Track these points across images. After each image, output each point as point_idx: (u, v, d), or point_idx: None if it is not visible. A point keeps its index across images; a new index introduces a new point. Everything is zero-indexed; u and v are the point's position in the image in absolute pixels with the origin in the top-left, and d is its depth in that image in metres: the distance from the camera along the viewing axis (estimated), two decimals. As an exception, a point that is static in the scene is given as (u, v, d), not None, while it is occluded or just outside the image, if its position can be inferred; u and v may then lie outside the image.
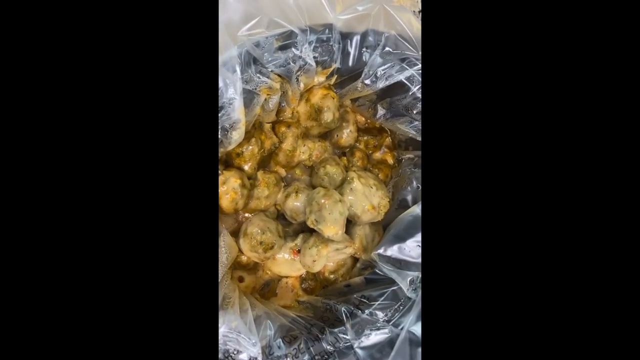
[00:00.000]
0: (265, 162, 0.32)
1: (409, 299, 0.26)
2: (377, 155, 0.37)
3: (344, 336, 0.26)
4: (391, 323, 0.25)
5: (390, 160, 0.37)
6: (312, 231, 0.30)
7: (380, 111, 0.33)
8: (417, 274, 0.27)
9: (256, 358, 0.24)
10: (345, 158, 0.35)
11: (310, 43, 0.28)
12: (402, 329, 0.23)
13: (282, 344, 0.25)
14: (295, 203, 0.30)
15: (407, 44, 0.29)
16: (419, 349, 0.22)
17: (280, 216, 0.32)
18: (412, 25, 0.28)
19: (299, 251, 0.30)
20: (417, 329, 0.23)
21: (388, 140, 0.37)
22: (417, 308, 0.24)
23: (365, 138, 0.36)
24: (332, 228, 0.27)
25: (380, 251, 0.28)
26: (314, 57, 0.29)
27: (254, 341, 0.24)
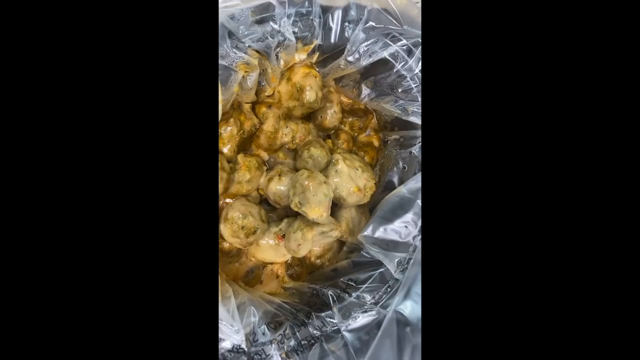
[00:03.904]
0: (245, 144, 0.31)
1: (397, 280, 0.26)
2: (363, 137, 0.36)
3: (331, 320, 0.25)
4: (379, 305, 0.25)
5: (376, 143, 0.36)
6: (296, 215, 0.29)
7: (365, 91, 0.32)
8: (405, 255, 0.26)
9: (240, 345, 0.23)
10: (330, 141, 0.34)
11: (289, 16, 0.26)
12: (389, 310, 0.23)
13: (266, 330, 0.24)
14: (278, 187, 0.29)
15: (390, 18, 0.28)
16: (407, 329, 0.22)
17: (263, 201, 0.31)
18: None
19: (283, 236, 0.29)
20: (405, 309, 0.23)
21: (373, 122, 0.36)
22: (404, 288, 0.24)
23: (350, 119, 0.35)
24: (317, 210, 0.26)
25: (367, 233, 0.28)
26: (294, 32, 0.27)
27: (236, 328, 0.23)
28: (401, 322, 0.22)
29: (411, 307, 0.23)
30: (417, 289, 0.23)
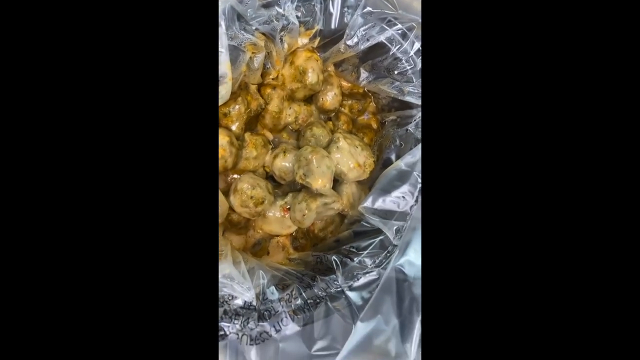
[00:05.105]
0: (252, 124, 0.33)
1: (395, 246, 0.28)
2: (362, 119, 0.38)
3: (335, 282, 0.27)
4: (380, 267, 0.27)
5: (375, 125, 0.38)
6: (301, 190, 0.31)
7: (363, 74, 0.34)
8: (402, 223, 0.28)
9: (251, 302, 0.25)
10: (330, 122, 0.36)
11: (292, 1, 0.28)
12: (389, 267, 0.25)
13: (275, 290, 0.26)
14: (283, 163, 0.31)
15: (386, 3, 0.30)
16: (406, 283, 0.24)
17: (269, 177, 0.33)
18: (391, -15, 0.29)
19: (288, 209, 0.31)
20: (403, 266, 0.24)
21: (372, 105, 0.38)
22: (402, 249, 0.25)
23: (350, 102, 0.37)
24: (320, 181, 0.28)
25: (367, 204, 0.29)
26: (297, 17, 0.29)
27: (247, 286, 0.24)
28: (400, 277, 0.24)
29: (409, 265, 0.24)
30: (414, 249, 0.25)
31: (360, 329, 0.22)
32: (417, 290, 0.23)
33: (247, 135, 0.31)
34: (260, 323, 0.24)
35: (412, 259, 0.24)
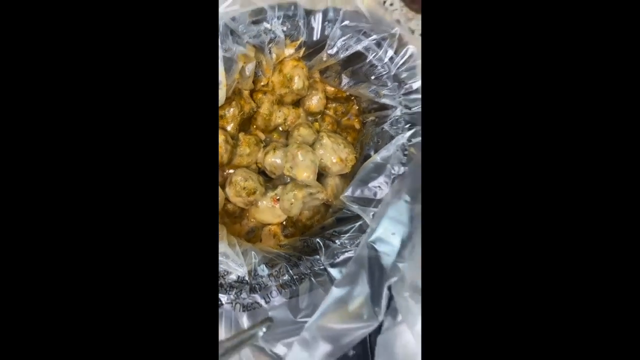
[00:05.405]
0: (245, 125, 0.37)
1: (373, 229, 0.31)
2: (346, 120, 0.42)
3: (319, 261, 0.30)
4: (357, 246, 0.30)
5: (357, 125, 0.42)
6: (289, 183, 0.35)
7: (345, 80, 0.38)
8: (378, 209, 0.32)
9: (244, 277, 0.28)
10: (317, 123, 0.40)
11: (278, 18, 0.33)
12: (362, 243, 0.28)
13: (265, 268, 0.29)
14: (273, 159, 0.35)
15: (361, 18, 0.34)
16: (376, 257, 0.27)
17: (261, 172, 0.37)
18: (363, 2, 0.33)
19: (278, 199, 0.35)
20: (375, 241, 0.28)
21: (354, 107, 0.42)
22: (373, 229, 0.29)
23: (334, 105, 0.41)
24: (305, 173, 0.32)
25: (348, 194, 0.33)
26: (283, 31, 0.33)
27: (240, 263, 0.28)
28: (372, 253, 0.28)
29: (379, 241, 0.28)
30: (384, 227, 0.29)
31: (335, 293, 0.25)
32: (387, 262, 0.27)
33: (241, 135, 0.35)
34: (252, 295, 0.28)
35: (382, 236, 0.28)
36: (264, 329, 0.23)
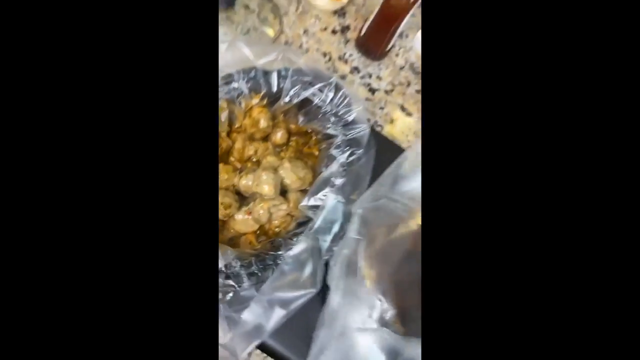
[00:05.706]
0: (224, 158, 0.48)
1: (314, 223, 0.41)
2: (306, 149, 0.53)
3: (282, 256, 0.39)
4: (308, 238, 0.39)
5: (316, 152, 0.52)
6: (257, 198, 0.45)
7: (301, 118, 0.50)
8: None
9: (221, 268, 0.37)
10: (282, 152, 0.51)
11: (243, 78, 0.45)
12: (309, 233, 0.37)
13: (237, 261, 0.38)
14: (245, 181, 0.45)
15: (305, 72, 0.46)
16: (319, 244, 0.36)
17: (238, 193, 0.47)
18: (304, 61, 0.46)
19: (250, 212, 0.44)
20: (315, 231, 0.37)
21: (313, 139, 0.53)
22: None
23: (296, 138, 0.52)
24: (267, 188, 0.42)
25: (304, 203, 0.43)
26: (247, 88, 0.45)
27: (220, 259, 0.37)
28: (314, 240, 0.37)
29: (320, 232, 0.37)
30: (323, 222, 0.38)
31: (282, 267, 0.34)
32: (324, 246, 0.36)
33: (220, 166, 0.46)
34: (226, 281, 0.37)
35: (321, 228, 0.37)
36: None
